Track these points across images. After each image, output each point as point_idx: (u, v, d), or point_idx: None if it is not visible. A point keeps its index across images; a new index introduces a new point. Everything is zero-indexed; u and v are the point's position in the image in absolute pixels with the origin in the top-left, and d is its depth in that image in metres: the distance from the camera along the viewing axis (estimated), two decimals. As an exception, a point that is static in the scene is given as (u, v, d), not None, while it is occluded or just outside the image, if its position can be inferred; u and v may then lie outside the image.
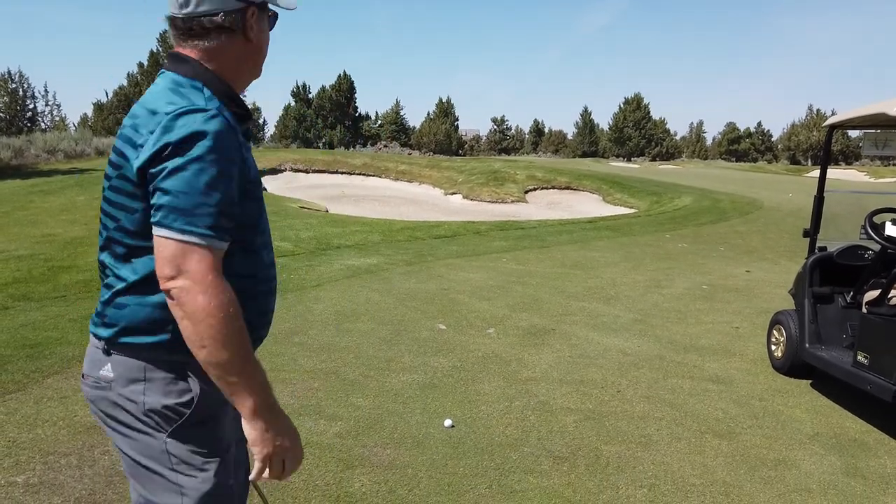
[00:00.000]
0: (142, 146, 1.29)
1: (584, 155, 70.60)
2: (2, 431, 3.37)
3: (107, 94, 51.70)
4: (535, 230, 13.04)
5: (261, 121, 65.85)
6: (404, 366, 4.61)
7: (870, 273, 4.20)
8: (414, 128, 77.01)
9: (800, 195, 20.59)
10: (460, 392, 4.16)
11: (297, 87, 68.46)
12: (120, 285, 1.37)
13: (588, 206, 22.42)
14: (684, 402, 4.16)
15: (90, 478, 2.95)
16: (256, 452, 1.34)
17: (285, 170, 29.85)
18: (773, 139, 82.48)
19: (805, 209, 14.84)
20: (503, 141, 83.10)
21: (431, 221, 14.95)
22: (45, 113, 44.40)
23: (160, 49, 43.50)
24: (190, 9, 1.38)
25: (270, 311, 1.56)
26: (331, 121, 67.67)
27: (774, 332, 4.92)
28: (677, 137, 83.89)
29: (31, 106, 41.96)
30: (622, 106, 77.57)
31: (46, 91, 59.43)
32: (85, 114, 54.43)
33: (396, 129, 74.53)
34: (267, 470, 1.37)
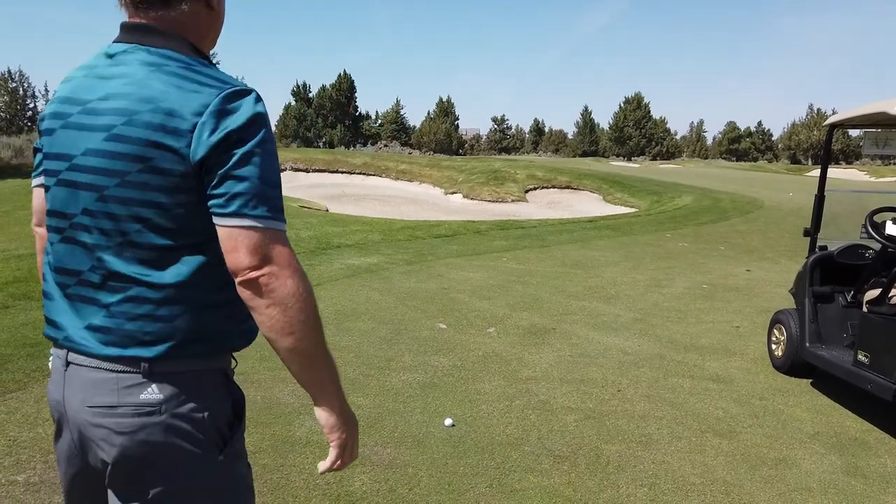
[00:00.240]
0: (190, 132, 1.14)
1: (585, 154, 70.60)
2: (2, 430, 3.37)
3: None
4: (536, 229, 13.04)
5: (261, 120, 65.67)
6: (404, 365, 4.61)
7: (870, 272, 4.20)
8: (414, 127, 77.04)
9: (800, 194, 20.58)
10: (461, 391, 4.16)
11: (298, 87, 68.51)
12: (158, 294, 1.20)
13: (588, 205, 22.43)
14: (685, 402, 4.16)
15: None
16: (335, 440, 1.30)
17: (285, 169, 29.84)
18: (773, 138, 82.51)
19: (805, 208, 14.85)
20: (503, 140, 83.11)
21: (432, 221, 14.96)
22: (46, 112, 44.37)
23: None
24: None
25: None
26: (331, 120, 67.70)
27: (775, 331, 4.92)
28: (678, 137, 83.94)
29: (32, 105, 42.00)
30: (622, 105, 77.62)
31: (47, 90, 59.25)
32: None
33: (397, 129, 74.55)
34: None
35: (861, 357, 3.81)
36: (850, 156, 68.56)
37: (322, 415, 1.28)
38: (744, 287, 7.92)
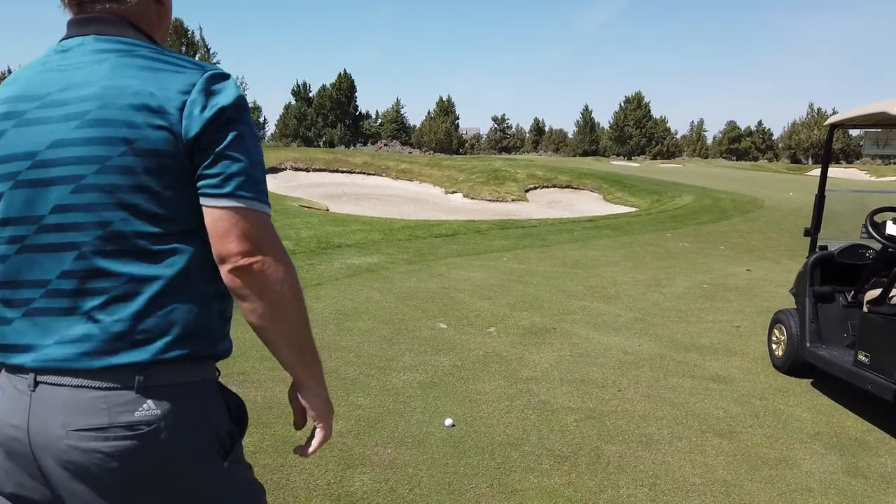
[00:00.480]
0: (179, 109, 1.10)
1: (585, 153, 70.61)
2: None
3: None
4: (536, 229, 13.04)
5: (261, 119, 65.88)
6: (405, 365, 4.61)
7: (871, 272, 4.19)
8: (414, 126, 77.05)
9: (800, 194, 20.58)
10: (461, 391, 4.16)
11: (298, 86, 68.52)
12: (149, 287, 1.10)
13: (588, 204, 22.44)
14: (685, 402, 4.16)
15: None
16: (322, 421, 1.29)
17: (286, 168, 29.88)
18: (773, 138, 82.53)
19: (806, 208, 14.83)
20: (504, 140, 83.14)
21: (432, 220, 14.96)
22: (46, 112, 44.40)
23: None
24: None
25: None
26: (331, 119, 67.71)
27: (775, 331, 4.92)
28: (678, 136, 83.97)
29: (32, 105, 41.98)
30: (623, 104, 77.63)
31: (47, 90, 59.38)
32: (85, 112, 54.21)
33: (397, 128, 74.55)
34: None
35: (861, 357, 3.81)
36: (850, 155, 68.56)
37: (312, 399, 1.27)
38: (744, 287, 7.92)
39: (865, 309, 3.91)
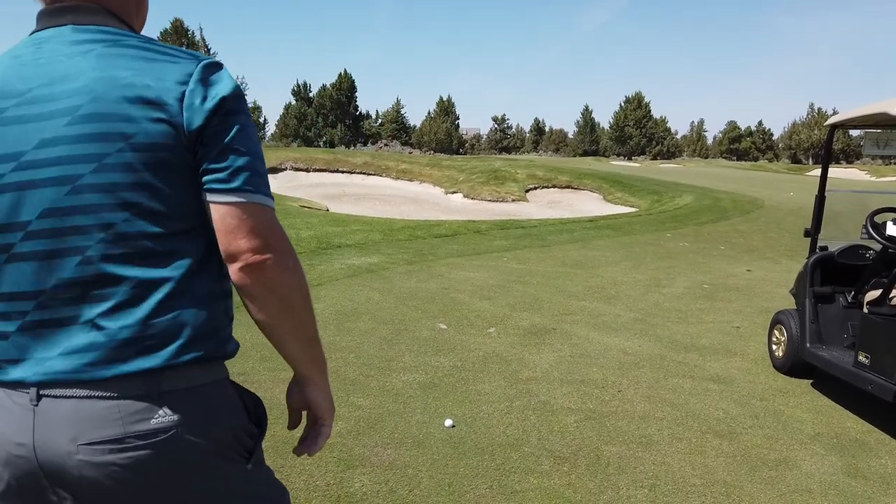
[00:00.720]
0: (178, 100, 1.03)
1: (585, 154, 70.62)
2: None
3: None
4: (536, 229, 13.04)
5: (261, 119, 65.89)
6: (405, 365, 4.61)
7: (871, 273, 4.19)
8: (414, 126, 77.07)
9: (801, 194, 20.58)
10: (461, 392, 4.16)
11: (298, 86, 68.55)
12: (157, 290, 1.04)
13: (589, 205, 22.44)
14: (685, 402, 4.16)
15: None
16: (327, 419, 1.26)
17: (286, 168, 29.89)
18: (773, 138, 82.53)
19: (806, 208, 14.82)
20: (504, 140, 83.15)
21: (432, 220, 14.96)
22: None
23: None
24: None
25: None
26: (331, 119, 67.72)
27: (775, 331, 4.92)
28: (678, 136, 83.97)
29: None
30: (623, 104, 77.64)
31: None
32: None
33: (397, 128, 74.56)
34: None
35: (861, 358, 3.81)
36: (850, 155, 68.56)
37: (318, 395, 1.24)
38: (744, 287, 7.91)
39: (865, 310, 3.91)
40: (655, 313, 6.44)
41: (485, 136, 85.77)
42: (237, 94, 1.09)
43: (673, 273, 8.67)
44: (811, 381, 4.61)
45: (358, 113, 69.63)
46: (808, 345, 4.37)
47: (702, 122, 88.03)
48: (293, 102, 67.83)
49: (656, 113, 78.99)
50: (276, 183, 24.59)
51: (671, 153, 75.72)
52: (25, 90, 1.05)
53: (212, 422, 1.09)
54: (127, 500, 1.04)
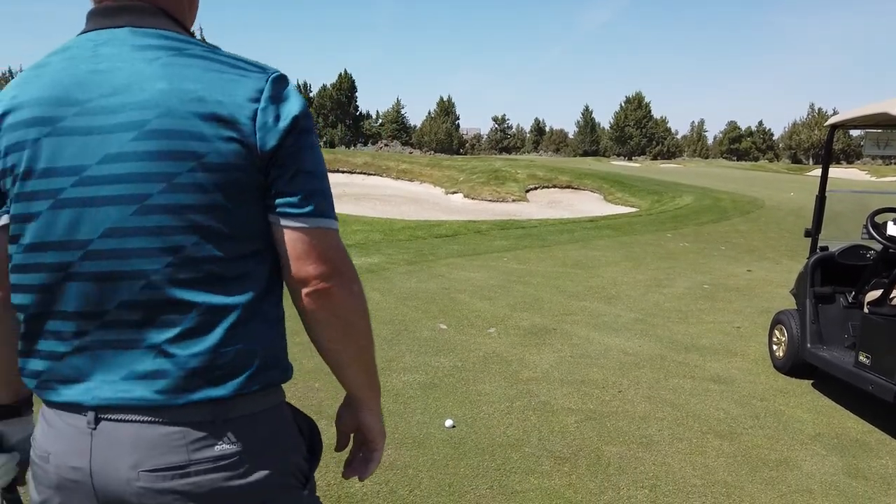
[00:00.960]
0: (251, 119, 0.98)
1: (585, 154, 70.63)
2: None
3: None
4: (536, 229, 13.04)
5: (262, 120, 65.91)
6: (405, 365, 4.60)
7: (871, 273, 4.19)
8: (415, 126, 77.14)
9: (801, 194, 20.57)
10: (461, 392, 4.16)
11: (298, 86, 68.53)
12: (226, 316, 1.00)
13: (589, 205, 22.43)
14: (685, 403, 4.16)
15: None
16: (379, 444, 1.23)
17: (286, 169, 29.82)
18: (774, 138, 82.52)
19: (806, 208, 14.81)
20: (504, 140, 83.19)
21: (432, 220, 14.96)
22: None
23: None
24: None
25: None
26: (332, 119, 67.78)
27: (776, 331, 4.92)
28: (678, 136, 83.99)
29: (32, 105, 42.01)
30: (623, 105, 77.66)
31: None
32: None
33: (397, 128, 74.63)
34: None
35: (862, 358, 3.81)
36: (851, 156, 68.55)
37: (371, 420, 1.20)
38: (745, 287, 7.91)
39: (866, 310, 3.91)
40: (656, 313, 6.44)
41: (485, 137, 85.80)
42: (307, 111, 1.04)
43: (673, 273, 8.67)
44: (812, 381, 4.61)
45: (358, 113, 69.68)
46: (808, 345, 4.37)
47: (702, 122, 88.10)
48: (293, 102, 67.94)
49: (657, 113, 79.14)
50: (277, 183, 24.62)
51: (671, 153, 75.73)
52: (85, 99, 0.98)
53: (273, 448, 1.06)
54: None
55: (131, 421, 0.98)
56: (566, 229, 13.11)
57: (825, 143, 4.98)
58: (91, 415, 0.99)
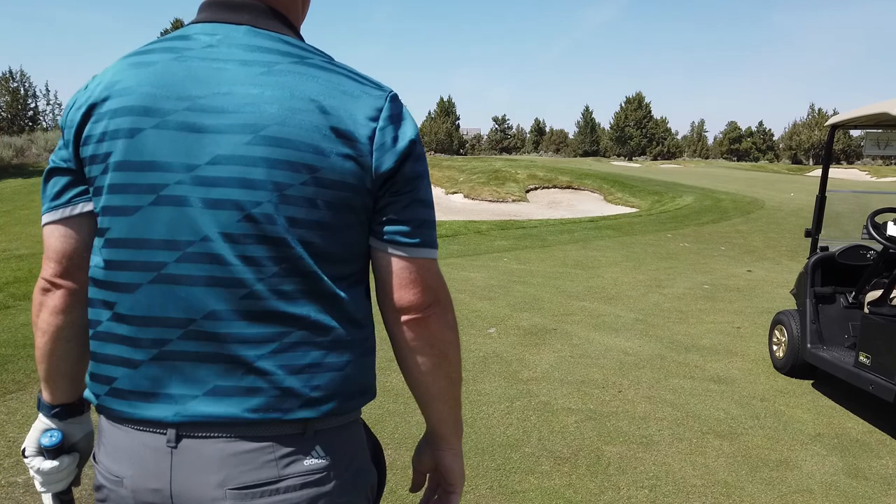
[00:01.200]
0: (369, 139, 0.94)
1: (586, 154, 70.63)
2: (2, 431, 3.37)
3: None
4: (536, 229, 13.04)
5: (262, 120, 65.88)
6: (405, 366, 4.60)
7: (872, 273, 4.19)
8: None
9: (801, 194, 20.57)
10: (461, 392, 4.15)
11: (299, 86, 68.52)
12: (326, 337, 0.96)
13: (589, 205, 22.42)
14: (685, 403, 4.15)
15: (90, 478, 2.95)
16: (458, 488, 1.16)
17: (286, 169, 29.80)
18: (774, 138, 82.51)
19: (806, 209, 14.83)
20: (504, 140, 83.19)
21: (432, 221, 14.94)
22: (47, 112, 44.50)
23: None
24: None
25: None
26: (332, 120, 67.65)
27: (776, 332, 4.92)
28: (678, 136, 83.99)
29: (33, 105, 42.04)
30: (623, 105, 77.64)
31: (48, 90, 59.67)
32: (86, 113, 54.36)
33: (397, 129, 74.47)
34: None
35: (862, 358, 3.81)
36: (851, 156, 68.53)
37: (453, 461, 1.14)
38: (745, 287, 7.91)
39: (866, 310, 3.91)
40: (656, 314, 6.43)
41: (485, 137, 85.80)
42: (419, 135, 1.01)
43: (673, 273, 8.66)
44: (812, 381, 4.61)
45: (358, 113, 69.67)
46: (808, 345, 4.37)
47: (702, 122, 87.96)
48: (294, 103, 67.88)
49: (657, 113, 79.12)
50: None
51: (672, 153, 75.72)
52: (198, 95, 0.93)
53: (353, 461, 1.03)
54: None
55: (216, 437, 0.92)
56: (566, 229, 13.11)
57: (825, 144, 4.98)
58: (172, 432, 0.93)
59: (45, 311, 1.05)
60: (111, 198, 0.95)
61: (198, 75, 0.94)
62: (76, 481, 1.20)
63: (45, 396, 1.14)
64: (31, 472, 1.15)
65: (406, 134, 0.98)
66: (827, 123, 4.92)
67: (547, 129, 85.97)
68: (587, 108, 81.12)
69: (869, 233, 4.10)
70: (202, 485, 0.92)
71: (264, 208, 0.91)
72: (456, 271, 8.19)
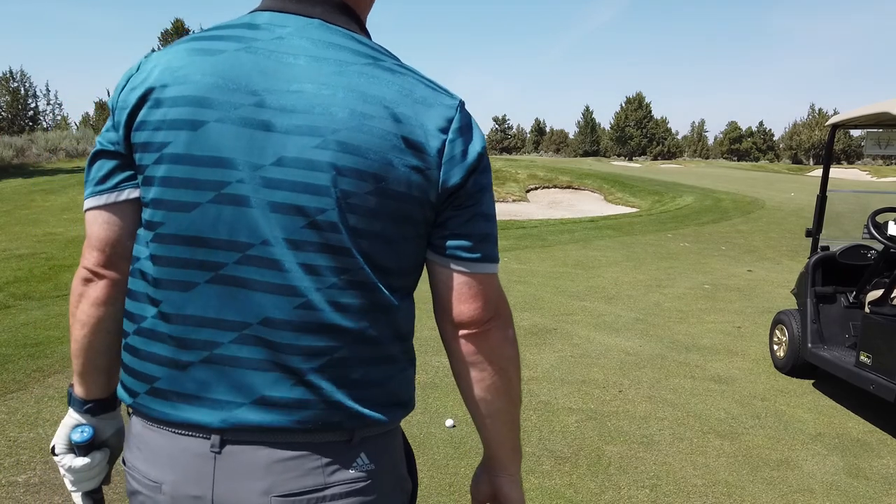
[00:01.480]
0: (439, 151, 0.91)
1: (586, 154, 70.66)
2: (3, 431, 3.37)
3: (108, 92, 51.75)
4: (537, 229, 13.03)
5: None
6: (405, 365, 4.60)
7: (872, 273, 4.19)
8: (415, 127, 77.08)
9: (802, 194, 20.58)
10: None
11: (299, 86, 68.62)
12: (376, 350, 0.94)
13: (589, 205, 22.41)
14: (686, 402, 4.15)
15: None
16: None
17: (287, 169, 29.79)
18: (774, 138, 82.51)
19: (807, 208, 14.83)
20: (504, 140, 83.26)
21: (433, 220, 14.94)
22: (47, 112, 44.50)
23: (161, 48, 43.55)
24: None
25: None
26: (332, 120, 67.77)
27: (777, 331, 4.91)
28: (679, 136, 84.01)
29: (33, 105, 42.03)
30: (624, 105, 77.67)
31: (48, 90, 59.62)
32: (87, 112, 54.54)
33: (398, 128, 74.63)
34: None
35: (863, 358, 3.80)
36: (851, 156, 68.53)
37: (512, 490, 1.09)
38: (745, 287, 7.90)
39: (867, 310, 3.90)
40: (656, 313, 6.43)
41: (486, 136, 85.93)
42: (486, 147, 0.97)
43: (674, 273, 8.66)
44: (813, 381, 4.61)
45: (359, 113, 69.77)
46: (809, 345, 4.37)
47: (702, 122, 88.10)
48: (294, 103, 67.96)
49: (657, 113, 79.22)
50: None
51: (672, 153, 75.73)
52: (263, 89, 0.88)
53: (394, 468, 1.01)
54: None
55: (262, 443, 0.90)
56: (566, 229, 13.10)
57: (826, 144, 4.97)
58: (216, 438, 0.90)
59: (86, 301, 1.01)
60: (165, 191, 0.90)
61: (267, 69, 0.89)
62: (107, 479, 1.17)
63: (79, 391, 1.09)
64: (62, 472, 1.11)
65: (475, 147, 0.94)
66: (827, 123, 4.92)
67: (547, 129, 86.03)
68: (587, 108, 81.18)
69: (870, 232, 4.09)
70: (246, 492, 0.89)
71: (329, 216, 0.87)
72: (456, 271, 8.18)
